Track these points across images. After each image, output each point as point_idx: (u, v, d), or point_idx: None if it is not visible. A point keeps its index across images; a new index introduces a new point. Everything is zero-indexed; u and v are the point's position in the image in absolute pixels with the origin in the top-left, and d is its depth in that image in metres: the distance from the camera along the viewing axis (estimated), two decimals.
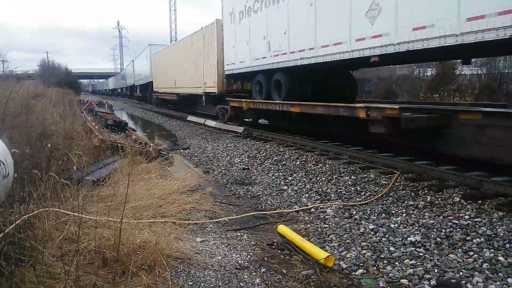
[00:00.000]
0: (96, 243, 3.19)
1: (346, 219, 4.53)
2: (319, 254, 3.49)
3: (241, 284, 3.09)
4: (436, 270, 3.19)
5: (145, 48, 31.95)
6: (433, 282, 3.04)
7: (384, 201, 4.93)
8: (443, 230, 3.87)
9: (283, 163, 7.49)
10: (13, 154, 3.96)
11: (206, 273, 3.24)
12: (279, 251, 3.79)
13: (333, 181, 6.00)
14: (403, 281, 3.11)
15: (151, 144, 9.01)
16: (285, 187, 6.14)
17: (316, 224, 4.47)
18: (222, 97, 14.54)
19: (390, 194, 5.10)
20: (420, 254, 3.49)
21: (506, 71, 17.86)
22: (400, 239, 3.81)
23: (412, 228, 4.04)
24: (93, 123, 11.12)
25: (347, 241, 3.93)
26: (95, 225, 3.69)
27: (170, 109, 24.88)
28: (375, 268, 3.36)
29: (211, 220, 4.57)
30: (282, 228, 4.18)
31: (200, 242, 3.89)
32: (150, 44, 30.44)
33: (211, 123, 14.23)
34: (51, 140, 6.07)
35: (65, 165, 5.56)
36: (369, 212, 4.66)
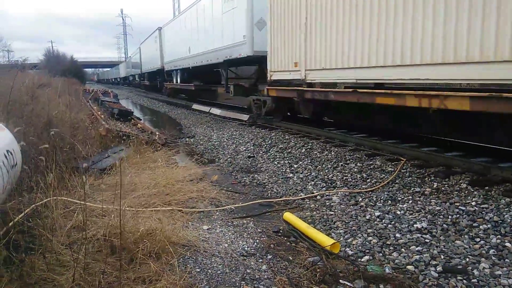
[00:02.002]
0: (104, 231, 3.23)
1: (352, 206, 4.53)
2: (325, 241, 3.50)
3: (248, 271, 3.11)
4: (442, 257, 3.19)
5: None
6: (439, 268, 3.04)
7: (390, 188, 4.92)
8: (450, 217, 3.86)
9: (289, 150, 7.48)
10: (21, 146, 3.99)
11: (213, 260, 3.27)
12: (285, 238, 3.81)
13: (338, 168, 5.99)
14: (409, 267, 3.11)
15: (157, 133, 9.04)
16: (291, 174, 6.15)
17: (322, 211, 4.48)
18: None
19: (396, 181, 5.09)
20: (427, 240, 3.49)
21: None
22: (406, 225, 3.81)
23: (419, 214, 4.04)
24: (99, 113, 11.16)
25: (353, 228, 3.94)
26: (102, 214, 3.74)
27: (181, 99, 23.29)
28: (381, 254, 3.37)
29: (217, 208, 4.60)
30: (288, 216, 4.20)
31: (206, 229, 3.92)
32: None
33: (216, 111, 14.22)
34: (57, 130, 6.11)
35: (72, 154, 5.61)
36: (375, 199, 4.66)
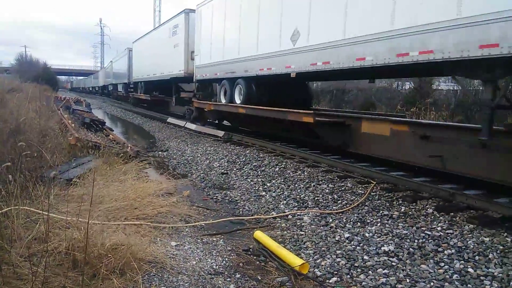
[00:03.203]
0: (67, 244, 3.10)
1: (322, 227, 4.55)
2: (295, 261, 3.49)
3: None
4: (408, 280, 3.24)
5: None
6: None
7: (360, 210, 4.99)
8: (416, 241, 3.94)
9: (262, 169, 7.50)
10: None
11: (179, 277, 3.19)
12: (254, 257, 3.78)
13: (311, 188, 6.04)
14: None
15: (129, 145, 8.87)
16: (263, 193, 6.14)
17: (293, 231, 4.48)
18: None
19: (366, 204, 5.17)
20: (393, 263, 3.54)
21: (481, 88, 18.46)
22: (374, 248, 3.86)
23: (386, 237, 4.10)
24: (70, 121, 10.86)
25: (323, 248, 3.95)
26: (65, 226, 3.59)
27: (145, 109, 24.95)
28: (348, 276, 3.39)
29: (187, 224, 4.51)
30: (259, 234, 4.17)
31: (175, 246, 3.83)
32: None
33: (191, 126, 14.13)
34: (25, 136, 5.89)
35: (38, 162, 5.40)
36: (345, 220, 4.71)
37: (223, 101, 12.27)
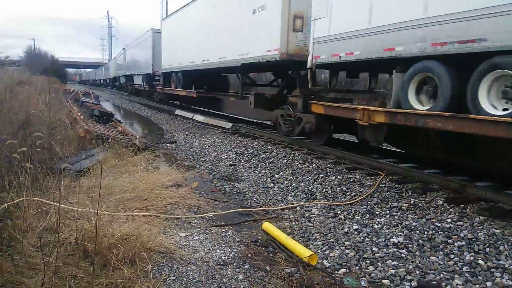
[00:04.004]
0: (77, 235, 3.14)
1: (330, 219, 4.55)
2: (303, 252, 3.49)
3: (224, 280, 3.07)
4: (417, 272, 3.23)
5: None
6: (414, 283, 3.07)
7: (369, 202, 4.97)
8: (426, 233, 3.91)
9: (270, 160, 7.49)
10: None
11: (189, 268, 3.21)
12: (263, 248, 3.79)
13: (319, 180, 6.02)
14: (385, 281, 3.13)
15: (137, 137, 8.91)
16: (272, 184, 6.14)
17: (301, 223, 4.48)
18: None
19: (375, 195, 5.14)
20: (402, 255, 3.53)
21: None
22: (383, 239, 3.84)
23: (395, 229, 4.08)
24: (79, 113, 10.94)
25: (331, 240, 3.95)
26: (76, 217, 3.63)
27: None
28: (357, 267, 3.39)
29: (195, 215, 4.54)
30: (267, 226, 4.18)
31: (184, 236, 3.86)
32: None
33: (199, 117, 14.14)
34: (35, 128, 5.94)
35: (48, 154, 5.46)
36: (353, 212, 4.69)
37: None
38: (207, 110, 16.47)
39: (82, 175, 5.33)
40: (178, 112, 16.77)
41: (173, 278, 3.03)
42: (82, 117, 10.29)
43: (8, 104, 6.82)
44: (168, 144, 10.22)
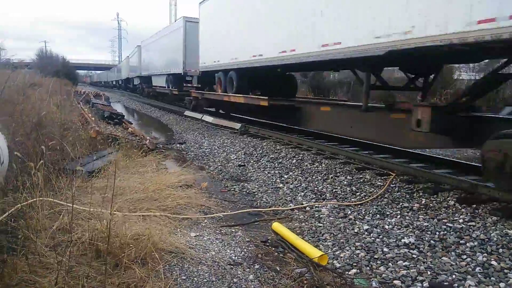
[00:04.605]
0: (90, 235, 3.18)
1: (340, 219, 4.53)
2: (313, 252, 3.49)
3: (235, 280, 3.08)
4: (429, 272, 3.20)
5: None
6: (425, 284, 3.05)
7: (379, 202, 4.94)
8: (437, 233, 3.88)
9: (279, 161, 7.49)
10: (9, 140, 3.93)
11: (199, 268, 3.23)
12: (273, 249, 3.79)
13: (328, 180, 6.00)
14: (396, 282, 3.11)
15: (148, 138, 8.98)
16: (281, 185, 6.14)
17: (311, 223, 4.48)
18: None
19: (385, 196, 5.11)
20: (414, 256, 3.50)
21: None
22: (394, 240, 3.82)
23: (406, 230, 4.05)
24: (90, 115, 11.06)
25: (341, 240, 3.94)
26: (88, 217, 3.68)
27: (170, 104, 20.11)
28: (368, 268, 3.37)
29: (205, 216, 4.56)
30: (277, 226, 4.18)
31: (194, 237, 3.88)
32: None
33: (208, 118, 14.19)
34: (46, 130, 6.03)
35: (60, 155, 5.53)
36: (363, 212, 4.67)
37: None
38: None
39: (93, 176, 5.39)
40: (187, 113, 16.85)
41: (184, 277, 3.05)
42: (93, 118, 10.41)
43: (21, 106, 6.92)
44: (178, 144, 10.27)
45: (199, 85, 17.23)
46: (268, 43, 9.87)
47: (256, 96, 11.30)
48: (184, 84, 19.51)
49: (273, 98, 10.31)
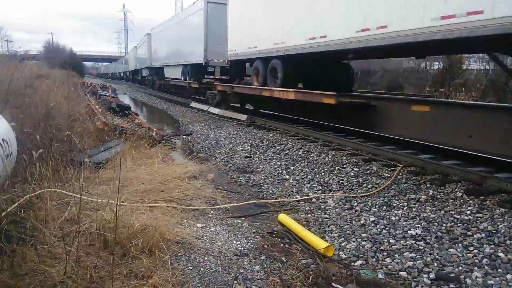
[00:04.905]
0: (98, 225, 3.21)
1: (347, 210, 4.53)
2: (319, 244, 3.49)
3: (241, 271, 3.10)
4: (435, 264, 3.20)
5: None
6: (432, 275, 3.04)
7: (386, 194, 4.92)
8: (444, 225, 3.86)
9: (286, 152, 7.48)
10: (18, 132, 3.96)
11: (206, 258, 3.25)
12: (279, 240, 3.80)
13: (335, 172, 5.99)
14: (402, 273, 3.11)
15: (154, 129, 9.01)
16: (287, 176, 6.14)
17: (317, 214, 4.48)
18: None
19: (392, 187, 5.09)
20: (420, 247, 3.49)
21: None
22: (401, 232, 3.81)
23: (413, 221, 4.04)
24: (97, 106, 11.11)
25: (347, 232, 3.94)
26: (96, 207, 3.71)
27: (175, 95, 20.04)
28: (374, 259, 3.37)
29: (212, 207, 4.58)
30: (283, 217, 4.19)
31: (200, 227, 3.90)
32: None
33: (214, 110, 14.19)
34: (54, 121, 6.07)
35: (68, 146, 5.57)
36: (370, 204, 4.66)
37: None
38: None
39: (101, 167, 5.43)
40: (193, 104, 16.86)
41: (191, 268, 3.07)
42: (100, 110, 10.46)
43: (29, 98, 6.97)
44: (184, 136, 10.30)
45: (224, 77, 15.08)
46: (337, 22, 7.39)
47: (317, 91, 8.09)
48: (206, 76, 16.96)
49: (342, 94, 7.88)
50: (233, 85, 12.74)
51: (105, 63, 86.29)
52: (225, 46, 13.06)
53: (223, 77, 15.05)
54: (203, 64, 16.17)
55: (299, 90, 9.25)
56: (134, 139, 7.34)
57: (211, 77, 16.15)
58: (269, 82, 10.53)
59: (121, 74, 55.76)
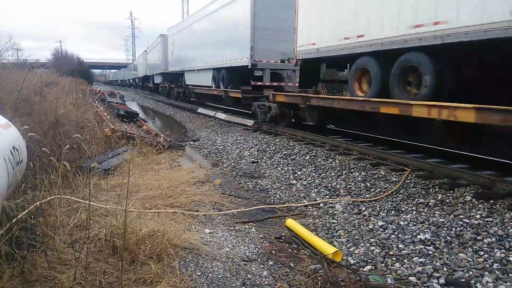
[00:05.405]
0: (106, 231, 3.23)
1: (355, 215, 4.50)
2: (327, 249, 3.48)
3: (249, 276, 3.10)
4: (445, 269, 3.17)
5: None
6: (442, 280, 3.01)
7: (394, 198, 4.89)
8: (454, 229, 3.83)
9: (293, 157, 7.47)
10: (28, 140, 4.01)
11: (214, 264, 3.26)
12: (287, 245, 3.79)
13: (342, 176, 5.97)
14: (412, 278, 3.08)
15: (162, 135, 9.07)
16: (294, 181, 6.13)
17: (325, 219, 4.46)
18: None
19: (400, 191, 5.06)
20: (430, 252, 3.46)
21: None
22: (410, 236, 3.78)
23: (422, 226, 4.01)
24: (105, 113, 11.21)
25: (356, 237, 3.92)
26: (105, 214, 3.74)
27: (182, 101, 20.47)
28: (383, 264, 3.35)
29: (219, 212, 4.59)
30: (291, 222, 4.18)
31: (208, 233, 3.91)
32: None
33: (221, 115, 14.24)
34: (63, 129, 6.14)
35: (77, 153, 5.63)
36: (378, 208, 4.63)
37: None
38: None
39: (109, 173, 5.47)
40: (200, 110, 16.94)
41: (199, 273, 3.08)
42: (108, 116, 10.56)
43: (38, 106, 7.07)
44: (191, 142, 10.34)
45: (275, 83, 12.21)
46: None
47: None
48: (252, 82, 12.94)
49: None
50: (309, 95, 8.85)
51: (113, 70, 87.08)
52: (277, 43, 10.39)
53: (274, 84, 12.57)
54: (249, 67, 12.42)
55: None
56: (142, 146, 7.39)
57: (259, 83, 12.66)
58: (395, 90, 6.74)
59: (130, 81, 53.55)
